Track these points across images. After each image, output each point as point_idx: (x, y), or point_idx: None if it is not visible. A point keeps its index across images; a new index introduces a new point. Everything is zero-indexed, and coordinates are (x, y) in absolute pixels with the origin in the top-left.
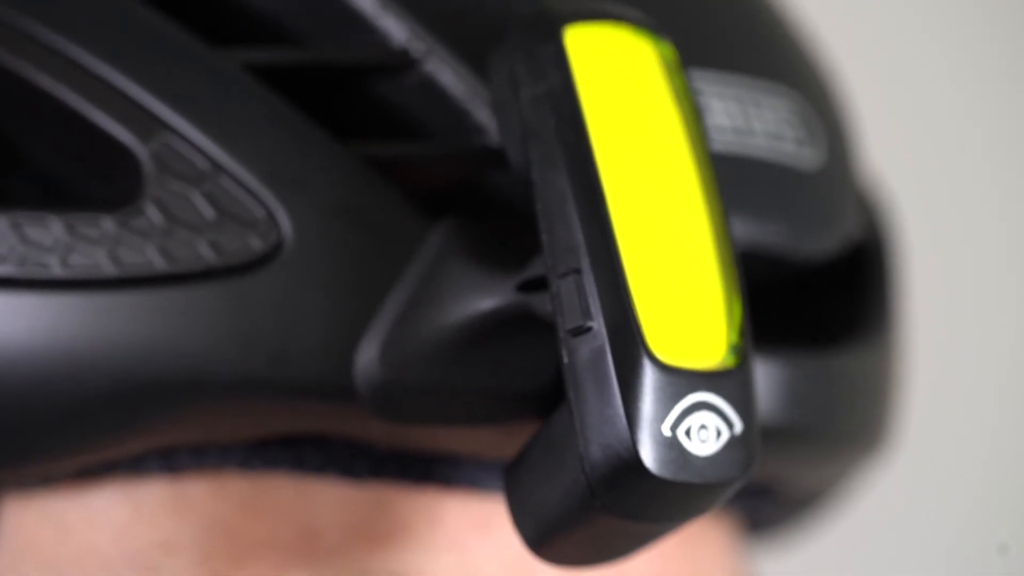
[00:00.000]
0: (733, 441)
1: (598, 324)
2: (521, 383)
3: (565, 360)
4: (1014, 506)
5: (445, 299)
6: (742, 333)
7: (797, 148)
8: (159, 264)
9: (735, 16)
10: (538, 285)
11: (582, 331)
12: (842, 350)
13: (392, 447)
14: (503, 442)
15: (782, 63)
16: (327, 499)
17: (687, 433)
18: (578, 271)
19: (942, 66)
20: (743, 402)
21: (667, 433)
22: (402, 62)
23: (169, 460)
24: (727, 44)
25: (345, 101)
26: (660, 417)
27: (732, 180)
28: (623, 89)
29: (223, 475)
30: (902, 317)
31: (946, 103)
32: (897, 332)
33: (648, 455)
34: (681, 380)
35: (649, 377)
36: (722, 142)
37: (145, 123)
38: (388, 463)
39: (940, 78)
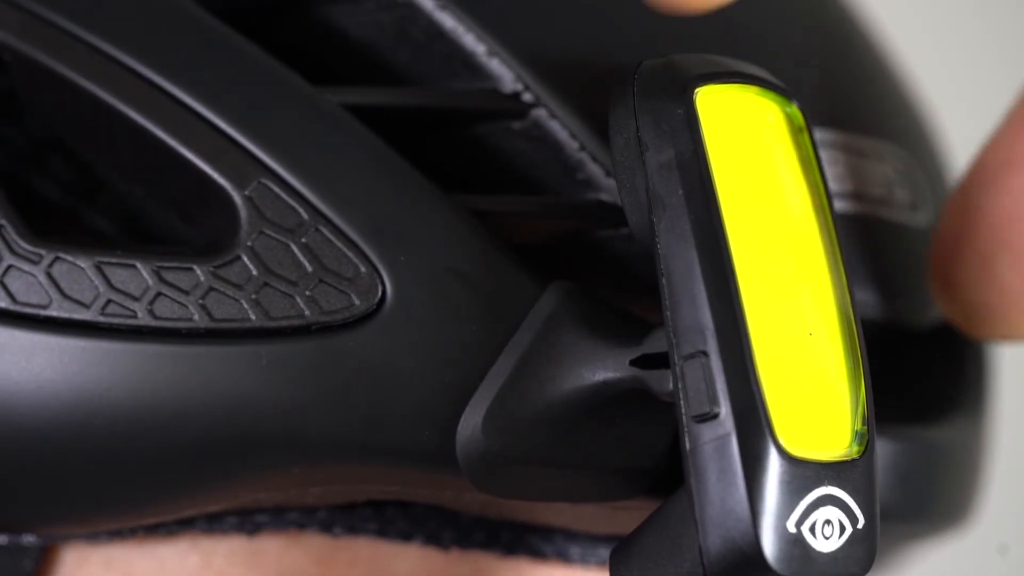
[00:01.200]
0: (856, 536)
1: (725, 411)
2: (630, 461)
3: (687, 446)
4: (1014, 506)
5: (555, 369)
6: (866, 420)
7: (908, 212)
8: (253, 317)
9: (846, 73)
10: (656, 362)
11: (707, 417)
12: (944, 424)
13: (480, 515)
14: (597, 516)
15: (892, 121)
16: (408, 552)
17: (811, 529)
18: (705, 354)
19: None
20: (867, 495)
21: (792, 529)
22: (513, 107)
23: (247, 519)
24: (839, 102)
25: (449, 144)
26: (786, 512)
27: (844, 244)
28: (752, 157)
29: (302, 534)
30: (996, 388)
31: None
32: (993, 404)
33: (771, 552)
34: (808, 472)
35: (776, 469)
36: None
37: (242, 166)
38: (475, 532)
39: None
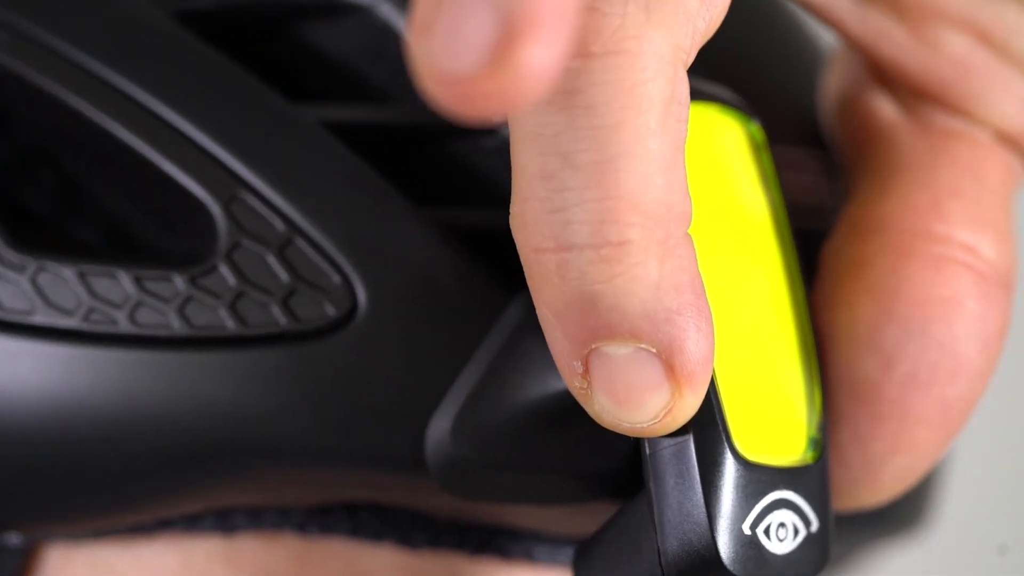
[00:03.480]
0: (809, 539)
1: None
2: (594, 465)
3: (646, 451)
4: (1014, 506)
5: (522, 375)
6: (821, 427)
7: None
8: (230, 325)
9: (811, 91)
10: None
11: None
12: None
13: (452, 517)
14: (563, 518)
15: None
16: (381, 551)
17: (766, 532)
18: None
19: None
20: (820, 499)
21: (747, 532)
22: (482, 126)
23: (224, 520)
24: (802, 119)
25: (420, 160)
26: (741, 516)
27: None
28: (713, 174)
29: (278, 534)
30: None
31: None
32: None
33: (727, 553)
34: (763, 477)
35: (732, 474)
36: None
37: (221, 179)
38: (447, 534)
39: None
